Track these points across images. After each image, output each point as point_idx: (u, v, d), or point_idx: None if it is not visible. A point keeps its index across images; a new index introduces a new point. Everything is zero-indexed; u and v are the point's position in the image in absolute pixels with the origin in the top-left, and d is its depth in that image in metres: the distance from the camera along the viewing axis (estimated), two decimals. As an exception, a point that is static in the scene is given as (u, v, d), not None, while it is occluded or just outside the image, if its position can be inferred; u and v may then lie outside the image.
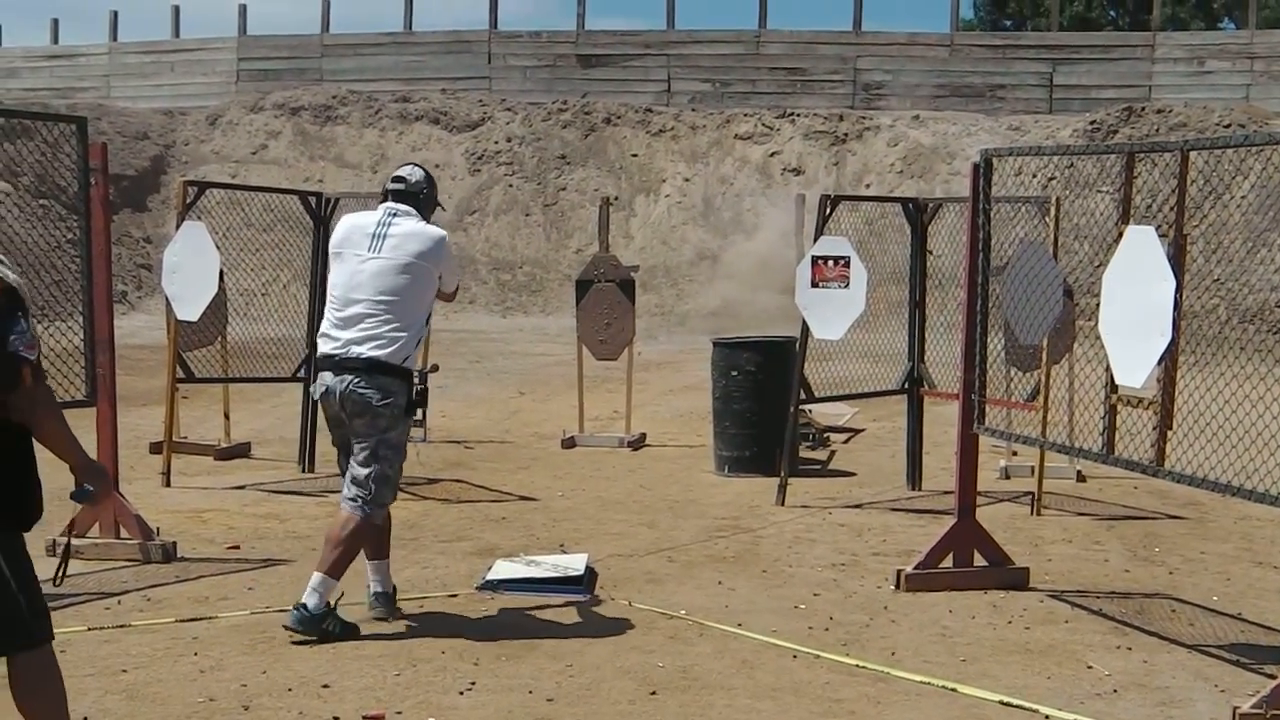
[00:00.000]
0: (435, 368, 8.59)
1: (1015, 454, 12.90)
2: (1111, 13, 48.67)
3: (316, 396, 7.53)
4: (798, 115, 33.46)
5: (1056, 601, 8.40)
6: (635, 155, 33.44)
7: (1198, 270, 22.51)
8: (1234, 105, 30.27)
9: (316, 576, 7.27)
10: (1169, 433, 7.24)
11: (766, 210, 30.82)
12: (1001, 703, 6.55)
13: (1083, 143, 27.70)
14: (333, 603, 7.29)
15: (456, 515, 10.65)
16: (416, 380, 7.48)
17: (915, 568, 8.63)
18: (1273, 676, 6.41)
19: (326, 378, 7.38)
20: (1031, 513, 11.03)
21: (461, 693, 6.54)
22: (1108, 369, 7.56)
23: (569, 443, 14.07)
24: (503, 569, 8.67)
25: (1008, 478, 12.49)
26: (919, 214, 12.23)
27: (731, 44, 35.05)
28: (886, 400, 13.26)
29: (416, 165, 7.98)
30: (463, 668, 6.90)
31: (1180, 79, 32.18)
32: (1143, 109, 30.30)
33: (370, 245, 7.48)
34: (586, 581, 8.52)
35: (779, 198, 31.02)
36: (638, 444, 14.27)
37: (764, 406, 12.50)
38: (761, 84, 34.54)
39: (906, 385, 12.16)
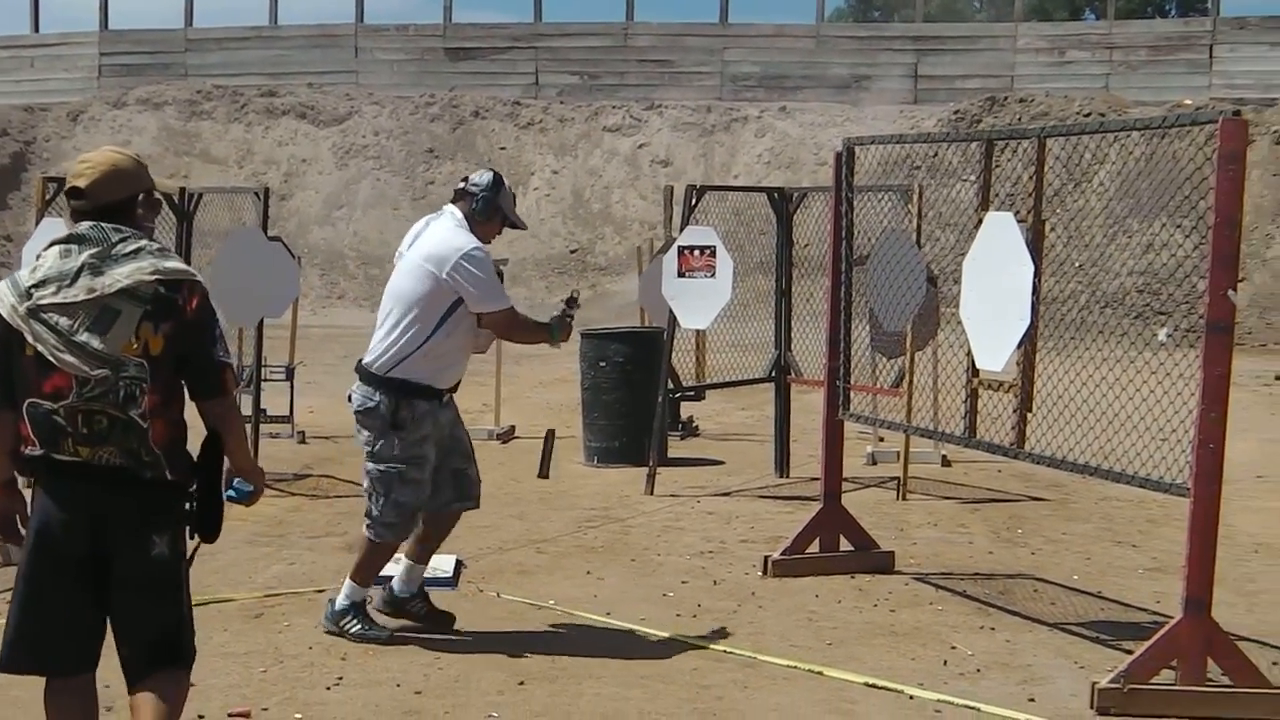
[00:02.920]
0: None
1: (882, 440, 13.02)
2: (976, 3, 49.20)
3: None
4: (666, 107, 33.54)
5: (921, 584, 8.51)
6: (504, 148, 33.36)
7: (1059, 257, 22.80)
8: (1094, 95, 30.74)
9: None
10: (1029, 415, 7.35)
11: (635, 202, 30.86)
12: (867, 684, 6.62)
13: (947, 132, 27.98)
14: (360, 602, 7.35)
15: (325, 511, 10.57)
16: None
17: (782, 553, 8.69)
18: (1130, 652, 6.53)
19: None
20: (897, 497, 11.15)
21: (329, 688, 6.49)
22: (969, 353, 7.66)
23: (439, 436, 14.00)
24: (371, 563, 8.60)
25: (874, 463, 12.61)
26: (784, 203, 12.31)
27: (599, 36, 35.07)
28: (755, 388, 13.32)
29: (490, 170, 7.48)
30: (330, 663, 6.85)
31: (1042, 69, 32.64)
32: (1005, 99, 30.68)
33: (407, 244, 7.36)
34: (455, 575, 8.49)
35: (648, 190, 31.09)
36: (507, 436, 14.24)
37: (632, 397, 12.52)
38: (630, 76, 34.58)
39: (774, 373, 12.23)
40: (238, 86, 34.95)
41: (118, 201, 4.59)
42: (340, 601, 7.25)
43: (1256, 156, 27.56)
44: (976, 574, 8.79)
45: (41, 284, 4.47)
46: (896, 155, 27.39)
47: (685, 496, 11.20)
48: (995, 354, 7.36)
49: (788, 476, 12.03)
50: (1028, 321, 7.11)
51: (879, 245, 9.07)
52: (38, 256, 4.58)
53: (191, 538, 4.75)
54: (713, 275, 11.49)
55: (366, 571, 7.30)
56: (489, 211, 7.27)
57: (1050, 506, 10.95)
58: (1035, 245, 7.23)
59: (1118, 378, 8.33)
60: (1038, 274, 7.17)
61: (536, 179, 32.80)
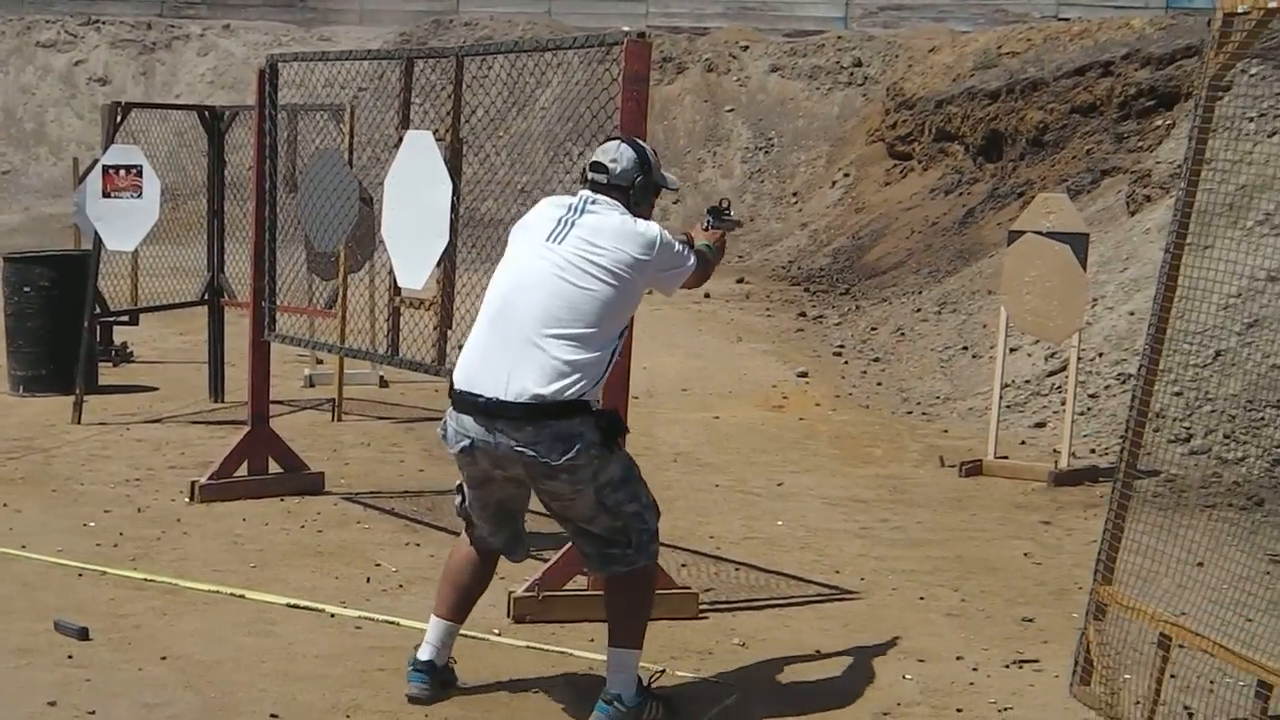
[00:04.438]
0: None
1: (321, 362, 12.96)
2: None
3: (453, 449, 5.46)
4: (104, 23, 32.30)
5: (350, 504, 8.54)
6: (-74, 63, 31.48)
7: (503, 179, 23.15)
8: (537, 20, 31.29)
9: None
10: (449, 332, 7.45)
11: (71, 122, 29.71)
12: (289, 605, 6.62)
13: (367, 50, 28.00)
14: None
15: None
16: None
17: (209, 478, 8.56)
18: (546, 560, 6.72)
19: (468, 425, 5.35)
20: (333, 419, 11.15)
21: None
22: (391, 272, 7.71)
23: None
24: None
25: (313, 385, 12.53)
26: (216, 123, 12.03)
27: (30, -54, 33.43)
28: (194, 313, 13.02)
29: (625, 141, 5.73)
30: None
31: (488, -7, 32.97)
32: (451, 22, 30.89)
33: (553, 232, 5.52)
34: None
35: (85, 109, 29.95)
36: (-74, 367, 13.48)
37: (59, 323, 12.02)
38: (64, -11, 33.13)
39: (207, 296, 11.99)
40: None
41: None
42: (631, 690, 5.45)
43: (689, 83, 28.67)
44: (406, 492, 8.89)
45: None
46: (343, 76, 27.21)
47: (114, 424, 10.86)
48: (415, 272, 7.43)
49: (223, 401, 11.83)
50: (446, 239, 7.21)
51: (309, 166, 9.02)
52: None
53: None
54: (139, 195, 11.16)
55: (643, 626, 5.59)
56: (649, 195, 5.70)
57: (484, 423, 11.15)
58: (454, 164, 7.32)
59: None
60: (456, 192, 7.27)
61: (-36, 96, 31.10)
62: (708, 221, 5.99)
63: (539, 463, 5.25)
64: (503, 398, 5.24)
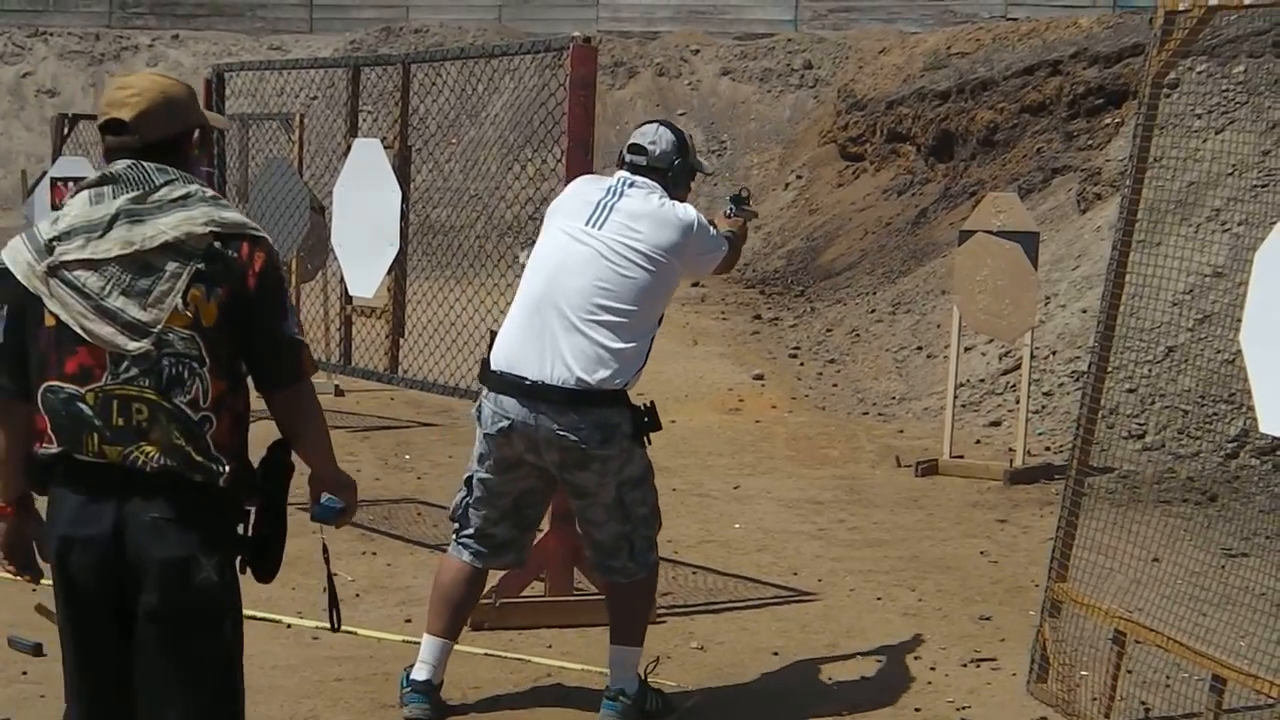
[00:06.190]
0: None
1: (275, 372, 12.89)
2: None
3: (489, 430, 5.47)
4: (51, 34, 32.11)
5: (306, 513, 8.45)
6: (-127, 77, 31.23)
7: (456, 187, 23.13)
8: (488, 26, 31.26)
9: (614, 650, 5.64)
10: (401, 340, 7.45)
11: (20, 134, 29.55)
12: (245, 616, 6.56)
13: (314, 59, 27.92)
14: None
15: None
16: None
17: (162, 491, 8.51)
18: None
19: (509, 406, 5.39)
20: (287, 430, 11.09)
21: None
22: (342, 280, 7.70)
23: None
24: None
25: (267, 398, 12.47)
26: (165, 133, 12.00)
27: (-26, -42, 33.20)
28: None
29: (663, 124, 5.78)
30: None
31: (437, 0, 32.89)
32: (401, 29, 30.82)
33: (591, 217, 5.53)
34: None
35: (34, 121, 29.79)
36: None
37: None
38: (11, 0, 32.89)
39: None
40: None
41: (170, 138, 3.65)
42: (633, 684, 5.56)
43: (641, 88, 28.65)
44: (361, 501, 8.78)
45: (66, 235, 3.51)
46: (295, 85, 27.09)
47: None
48: (366, 280, 7.43)
49: (177, 413, 11.78)
50: (396, 247, 7.21)
51: (260, 175, 9.01)
52: (63, 204, 3.68)
53: (241, 571, 3.82)
54: (88, 208, 11.14)
55: (643, 625, 5.71)
56: (686, 178, 5.78)
57: (438, 431, 11.12)
58: (403, 171, 7.31)
59: (495, 301, 8.55)
60: (406, 199, 7.27)
61: (-90, 110, 30.87)
62: (730, 209, 6.11)
63: (578, 448, 5.29)
64: (547, 381, 5.28)
